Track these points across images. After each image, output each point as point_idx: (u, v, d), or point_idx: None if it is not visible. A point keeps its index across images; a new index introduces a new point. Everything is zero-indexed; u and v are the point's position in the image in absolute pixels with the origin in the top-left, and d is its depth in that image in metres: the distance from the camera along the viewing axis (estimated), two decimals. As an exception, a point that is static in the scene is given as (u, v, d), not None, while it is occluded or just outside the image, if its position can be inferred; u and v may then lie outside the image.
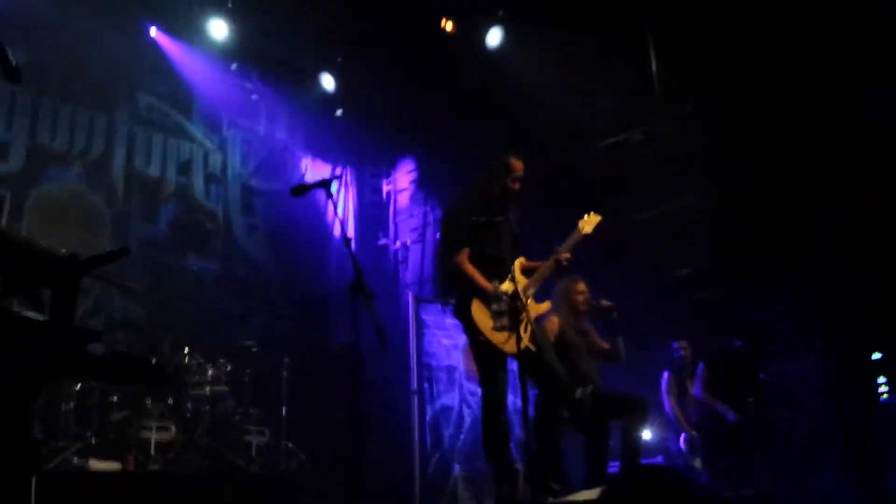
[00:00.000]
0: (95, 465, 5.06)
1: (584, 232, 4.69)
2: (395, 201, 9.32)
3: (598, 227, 4.73)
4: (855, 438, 5.95)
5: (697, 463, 6.46)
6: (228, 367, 6.32)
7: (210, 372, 6.14)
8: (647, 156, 7.57)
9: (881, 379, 6.17)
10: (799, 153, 6.71)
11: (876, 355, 6.23)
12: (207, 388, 6.07)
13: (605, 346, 5.30)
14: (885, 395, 6.10)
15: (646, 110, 7.66)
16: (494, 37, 7.78)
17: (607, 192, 7.13)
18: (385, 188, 9.45)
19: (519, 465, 4.69)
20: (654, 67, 7.49)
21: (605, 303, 5.30)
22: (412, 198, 9.12)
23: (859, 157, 6.33)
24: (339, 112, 8.79)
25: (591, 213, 4.76)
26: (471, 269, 4.33)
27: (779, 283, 6.67)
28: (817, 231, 6.56)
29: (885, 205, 6.16)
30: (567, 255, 4.57)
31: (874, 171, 6.27)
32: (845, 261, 6.47)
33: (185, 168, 7.96)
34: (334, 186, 3.86)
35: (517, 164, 4.56)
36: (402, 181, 9.32)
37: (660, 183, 7.34)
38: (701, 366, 6.81)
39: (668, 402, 6.83)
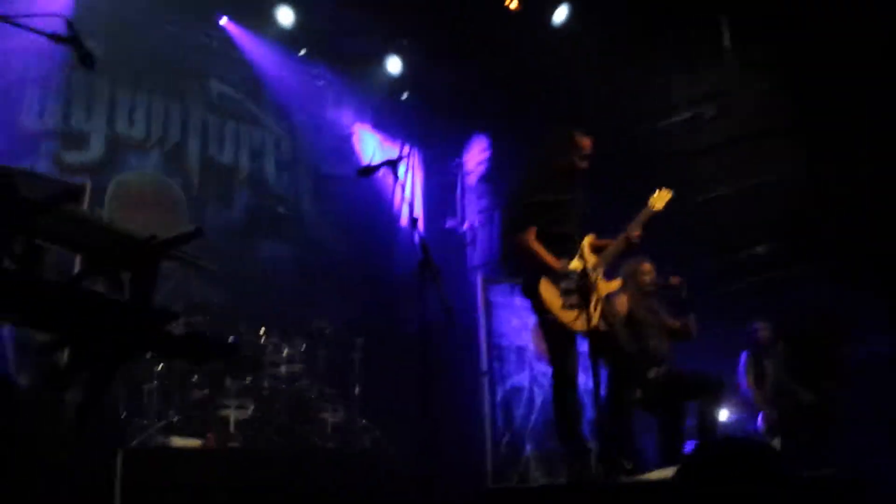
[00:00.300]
0: (177, 441, 5.23)
1: (654, 209, 4.61)
2: (463, 182, 9.33)
3: (669, 204, 4.64)
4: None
5: (776, 443, 6.31)
6: (303, 347, 6.45)
7: (286, 352, 6.28)
8: (720, 132, 7.38)
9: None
10: (874, 131, 6.43)
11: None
12: (283, 368, 6.21)
13: (676, 324, 5.20)
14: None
15: (717, 86, 7.46)
16: (561, 14, 7.68)
17: (677, 167, 6.99)
18: (454, 170, 9.46)
19: (591, 445, 4.65)
20: (726, 42, 7.28)
21: (674, 280, 5.21)
22: (480, 179, 9.10)
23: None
24: (405, 95, 8.83)
25: (662, 188, 4.68)
26: (538, 248, 4.27)
27: (855, 264, 6.44)
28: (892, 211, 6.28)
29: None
30: (638, 232, 4.49)
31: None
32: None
33: (256, 154, 8.13)
34: (402, 167, 3.87)
35: (582, 141, 4.45)
36: (470, 162, 9.31)
37: (732, 160, 7.15)
38: (781, 346, 6.64)
39: (745, 382, 6.69)
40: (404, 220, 8.76)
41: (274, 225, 8.03)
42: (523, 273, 4.42)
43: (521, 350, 7.17)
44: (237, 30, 7.89)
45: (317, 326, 6.79)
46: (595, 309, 4.15)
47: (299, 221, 8.31)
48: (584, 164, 4.46)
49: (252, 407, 5.76)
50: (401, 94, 8.86)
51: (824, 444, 6.06)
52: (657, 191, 4.67)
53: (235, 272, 7.24)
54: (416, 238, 3.70)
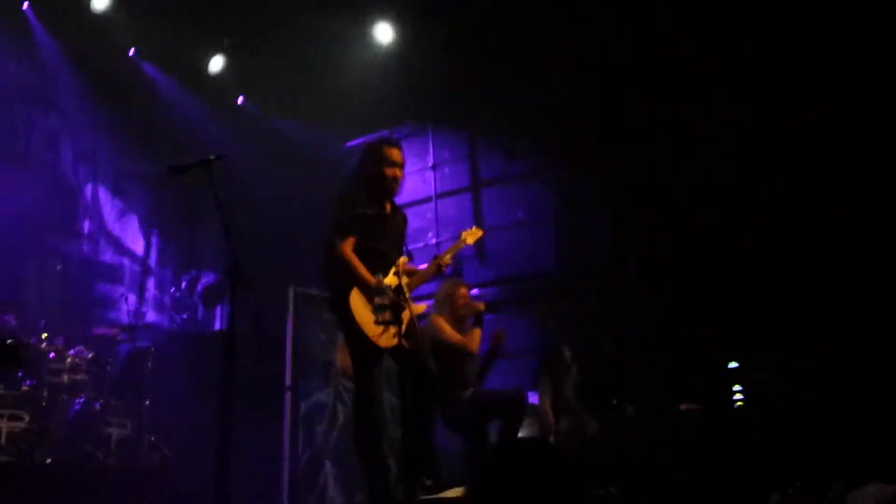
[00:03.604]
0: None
1: (466, 242, 4.93)
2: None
3: (478, 240, 5.10)
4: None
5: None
6: (89, 355, 6.02)
7: (69, 360, 5.85)
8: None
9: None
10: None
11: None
12: (66, 377, 5.78)
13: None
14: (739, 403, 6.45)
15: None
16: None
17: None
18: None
19: (391, 463, 4.68)
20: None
21: (480, 305, 5.57)
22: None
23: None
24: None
25: (475, 227, 5.02)
26: (354, 259, 4.26)
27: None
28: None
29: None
30: (448, 260, 4.66)
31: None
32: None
33: (52, 142, 7.51)
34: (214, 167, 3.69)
35: (391, 151, 4.48)
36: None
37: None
38: (574, 369, 6.96)
39: (541, 405, 6.95)
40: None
41: (67, 219, 7.42)
42: (333, 286, 4.39)
43: (326, 365, 7.09)
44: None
45: (107, 332, 6.38)
46: (404, 327, 4.20)
47: (96, 217, 7.75)
48: (395, 174, 4.46)
49: (27, 418, 5.34)
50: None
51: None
52: (471, 227, 5.02)
53: (18, 267, 6.66)
54: (227, 245, 3.56)
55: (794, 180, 6.33)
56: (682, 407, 5.23)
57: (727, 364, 6.54)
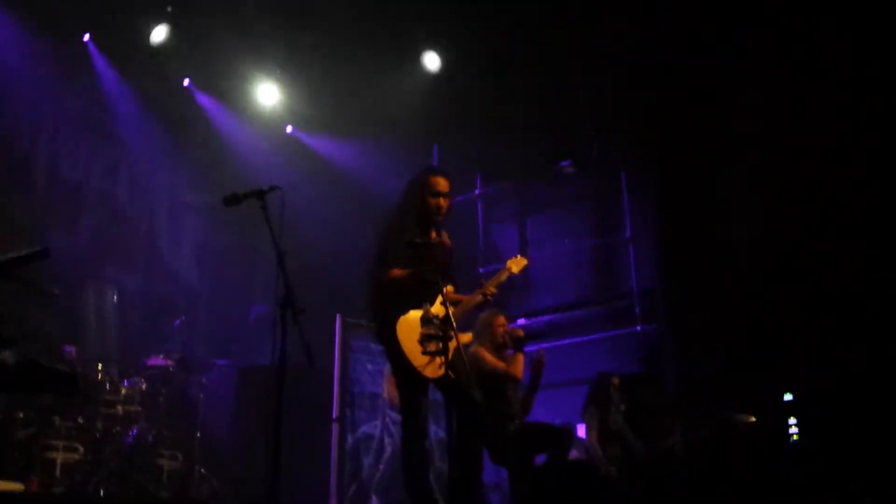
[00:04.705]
0: (-4, 484, 4.77)
1: (511, 271, 4.87)
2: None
3: (524, 269, 4.95)
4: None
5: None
6: (143, 386, 6.09)
7: (123, 391, 5.91)
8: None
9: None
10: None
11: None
12: (120, 408, 5.83)
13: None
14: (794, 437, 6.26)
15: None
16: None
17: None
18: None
19: (437, 496, 4.64)
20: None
21: (518, 332, 5.60)
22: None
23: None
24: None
25: (519, 255, 4.97)
26: (405, 277, 4.25)
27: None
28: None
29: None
30: (493, 290, 4.63)
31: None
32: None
33: (109, 173, 7.68)
34: (268, 197, 3.74)
35: (437, 181, 4.48)
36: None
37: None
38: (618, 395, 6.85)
39: (588, 438, 6.85)
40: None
41: (122, 251, 7.58)
42: (380, 316, 4.38)
43: (374, 397, 7.08)
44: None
45: (160, 364, 6.44)
46: (450, 357, 4.17)
47: (152, 247, 7.90)
48: (439, 202, 4.48)
49: (82, 449, 5.38)
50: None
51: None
52: (516, 256, 4.95)
53: (74, 298, 6.80)
54: (280, 275, 3.60)
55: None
56: (741, 419, 5.08)
57: (781, 395, 6.40)
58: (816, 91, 6.43)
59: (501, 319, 5.53)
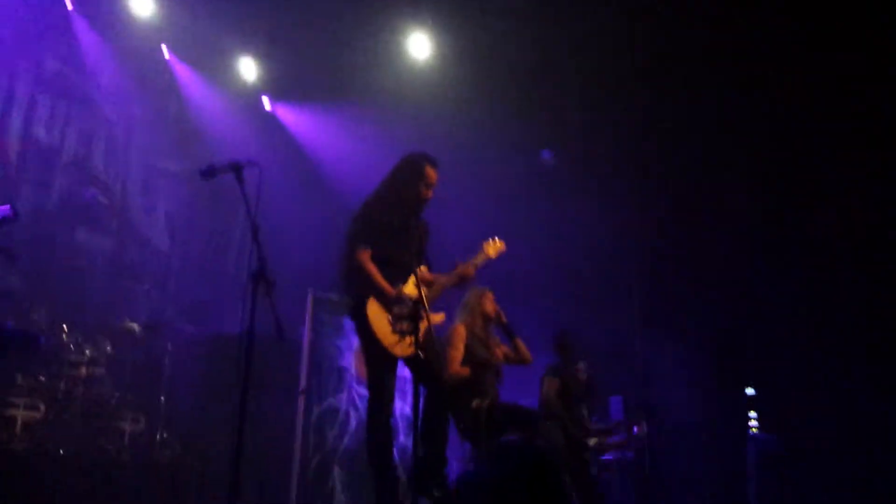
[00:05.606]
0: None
1: (488, 255, 4.90)
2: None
3: (501, 253, 4.98)
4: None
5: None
6: (108, 349, 6.05)
7: (88, 352, 5.87)
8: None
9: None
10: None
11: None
12: (84, 369, 5.79)
13: (511, 352, 5.56)
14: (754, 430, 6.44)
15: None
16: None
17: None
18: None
19: (400, 472, 4.70)
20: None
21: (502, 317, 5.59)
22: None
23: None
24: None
25: (496, 239, 4.98)
26: (372, 268, 4.31)
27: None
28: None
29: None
30: (472, 271, 4.67)
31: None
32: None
33: (85, 138, 7.56)
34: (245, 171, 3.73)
35: (431, 172, 4.56)
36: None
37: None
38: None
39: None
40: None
41: (94, 215, 7.48)
42: (352, 293, 4.41)
43: (341, 371, 7.11)
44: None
45: (126, 327, 6.39)
46: (420, 337, 4.21)
47: (124, 213, 7.80)
48: (428, 194, 4.55)
49: (43, 408, 5.35)
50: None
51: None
52: (493, 239, 4.97)
53: (43, 260, 6.71)
54: (254, 248, 3.60)
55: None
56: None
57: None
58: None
59: (490, 296, 5.57)
